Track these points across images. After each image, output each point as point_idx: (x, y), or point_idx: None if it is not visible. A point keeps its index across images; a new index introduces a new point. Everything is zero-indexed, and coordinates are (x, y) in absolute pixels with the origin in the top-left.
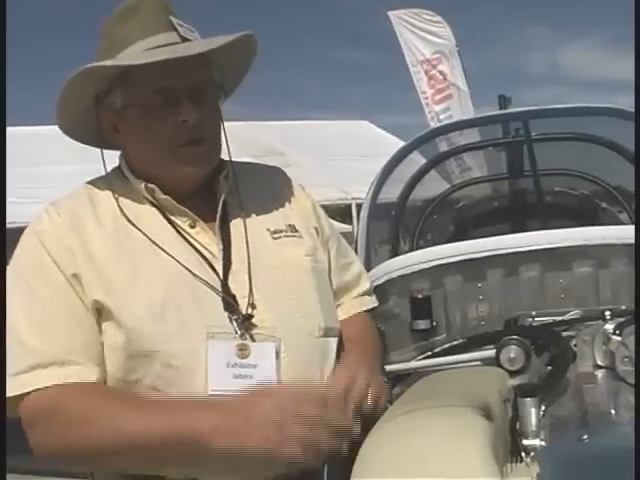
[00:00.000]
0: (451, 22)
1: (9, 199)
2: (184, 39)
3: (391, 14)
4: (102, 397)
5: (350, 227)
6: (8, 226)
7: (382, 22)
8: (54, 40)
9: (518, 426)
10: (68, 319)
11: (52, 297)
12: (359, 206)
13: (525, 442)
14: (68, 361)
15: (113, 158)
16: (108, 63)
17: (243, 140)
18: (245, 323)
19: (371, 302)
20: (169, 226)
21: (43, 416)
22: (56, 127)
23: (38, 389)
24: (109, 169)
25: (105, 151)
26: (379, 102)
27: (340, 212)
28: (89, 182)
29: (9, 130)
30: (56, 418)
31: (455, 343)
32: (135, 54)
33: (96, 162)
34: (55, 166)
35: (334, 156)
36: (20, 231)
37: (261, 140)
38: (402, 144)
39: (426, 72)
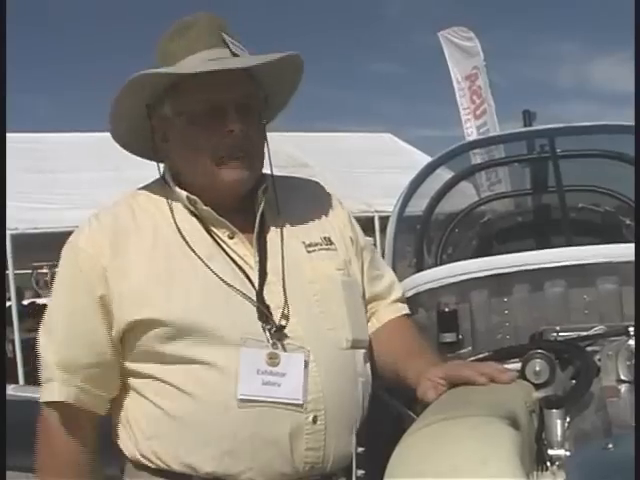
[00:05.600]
0: (479, 36)
1: (42, 205)
2: (234, 54)
3: (440, 34)
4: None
5: (372, 239)
6: (45, 230)
7: (412, 37)
8: (82, 54)
9: (544, 436)
10: (81, 338)
11: (73, 314)
12: (382, 218)
13: (550, 452)
14: (67, 380)
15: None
16: (162, 70)
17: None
18: (277, 333)
19: (404, 309)
20: (208, 237)
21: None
22: (90, 135)
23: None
24: (140, 176)
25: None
26: (403, 115)
27: (363, 224)
28: (132, 191)
29: (43, 136)
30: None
31: (481, 356)
32: (188, 66)
33: (129, 170)
34: (89, 173)
35: (357, 168)
36: (55, 236)
37: (285, 151)
38: (425, 157)
39: (469, 88)
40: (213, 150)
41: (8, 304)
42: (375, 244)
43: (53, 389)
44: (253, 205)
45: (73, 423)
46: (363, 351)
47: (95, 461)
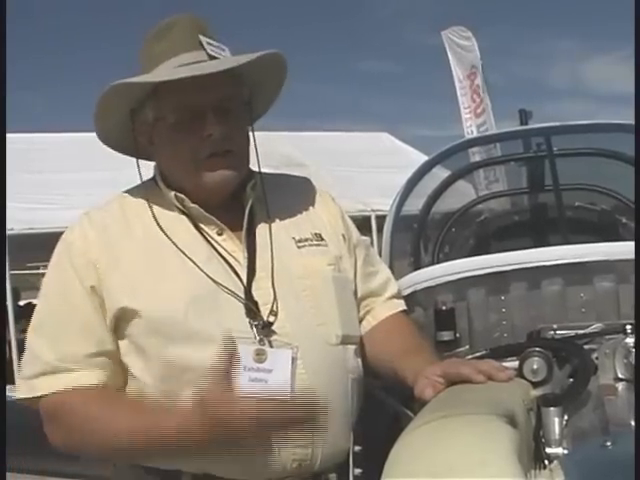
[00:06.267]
0: (475, 35)
1: (38, 205)
2: (211, 57)
3: (442, 34)
4: (96, 403)
5: (369, 239)
6: (41, 231)
7: (408, 35)
8: (78, 50)
9: (541, 434)
10: (78, 329)
11: (66, 307)
12: (378, 218)
13: (548, 450)
14: (71, 369)
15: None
16: (132, 80)
17: (263, 151)
18: (265, 329)
19: (400, 305)
20: (197, 234)
21: (51, 419)
22: (87, 135)
23: (44, 395)
24: (137, 176)
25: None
26: (399, 114)
27: (359, 224)
28: (123, 191)
29: (38, 136)
30: (60, 422)
31: (478, 354)
32: (164, 71)
33: (126, 170)
34: (85, 173)
35: (354, 168)
36: (51, 236)
37: (281, 151)
38: (421, 156)
39: (469, 87)
40: (194, 153)
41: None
42: (372, 243)
43: (51, 382)
44: (242, 202)
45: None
46: (354, 347)
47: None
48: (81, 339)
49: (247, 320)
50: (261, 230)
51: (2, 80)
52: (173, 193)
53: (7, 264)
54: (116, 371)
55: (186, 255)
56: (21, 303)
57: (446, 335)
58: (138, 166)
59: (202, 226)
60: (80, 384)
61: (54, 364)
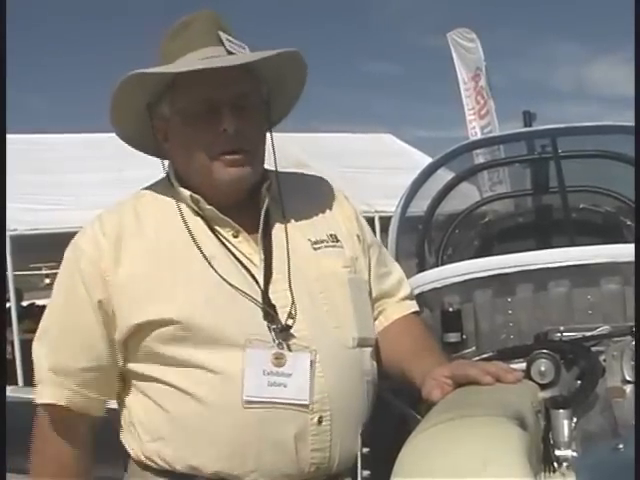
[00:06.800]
0: (478, 36)
1: (42, 206)
2: (230, 53)
3: (448, 35)
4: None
5: None
6: (45, 232)
7: (411, 37)
8: (81, 51)
9: (550, 437)
10: (79, 342)
11: (70, 318)
12: (382, 219)
13: (557, 452)
14: (59, 383)
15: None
16: (151, 70)
17: (268, 152)
18: (283, 333)
19: (413, 306)
20: (212, 236)
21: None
22: (91, 135)
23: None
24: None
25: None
26: (402, 115)
27: None
28: (137, 191)
29: (42, 137)
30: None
31: (485, 356)
32: (181, 65)
33: (130, 170)
34: (89, 174)
35: (358, 169)
36: (55, 237)
37: (287, 152)
38: (425, 157)
39: (474, 88)
40: (208, 147)
41: (7, 305)
42: None
43: (43, 392)
44: (257, 203)
45: (66, 425)
46: (369, 350)
47: (89, 463)
48: (79, 352)
49: (265, 323)
50: (277, 232)
51: (2, 80)
52: (189, 194)
53: (10, 265)
54: (110, 385)
55: (204, 257)
56: (24, 304)
57: (453, 336)
58: (163, 165)
59: (217, 228)
60: (66, 404)
61: (47, 374)
